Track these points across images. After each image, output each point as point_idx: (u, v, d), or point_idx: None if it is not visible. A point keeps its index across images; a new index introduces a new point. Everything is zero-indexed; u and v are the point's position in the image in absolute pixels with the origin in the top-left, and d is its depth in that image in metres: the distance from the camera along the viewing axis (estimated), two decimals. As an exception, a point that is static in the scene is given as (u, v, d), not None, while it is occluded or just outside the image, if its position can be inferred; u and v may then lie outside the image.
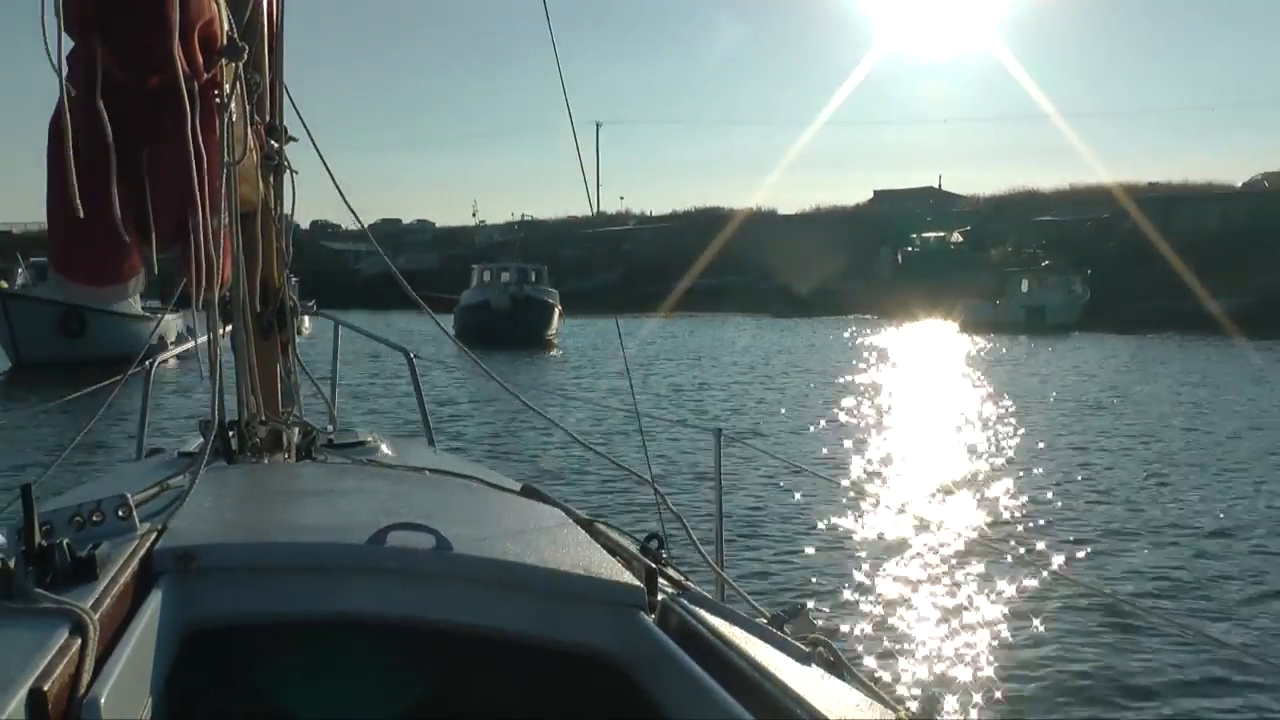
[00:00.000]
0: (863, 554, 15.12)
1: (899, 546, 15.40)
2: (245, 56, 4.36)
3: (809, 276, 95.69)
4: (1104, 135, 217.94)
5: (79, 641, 2.62)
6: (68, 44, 3.52)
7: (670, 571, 4.16)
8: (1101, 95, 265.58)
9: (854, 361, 50.58)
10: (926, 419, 30.30)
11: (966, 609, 12.72)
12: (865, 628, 12.08)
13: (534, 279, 67.77)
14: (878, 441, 25.99)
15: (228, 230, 4.77)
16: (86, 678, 2.60)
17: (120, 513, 3.48)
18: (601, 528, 4.53)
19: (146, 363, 8.21)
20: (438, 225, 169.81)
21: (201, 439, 5.18)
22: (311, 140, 6.42)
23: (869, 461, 23.46)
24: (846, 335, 69.40)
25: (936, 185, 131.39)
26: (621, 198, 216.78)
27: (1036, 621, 12.16)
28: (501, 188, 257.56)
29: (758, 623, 3.84)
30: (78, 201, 3.22)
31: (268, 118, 5.83)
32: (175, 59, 3.72)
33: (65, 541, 3.04)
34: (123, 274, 4.00)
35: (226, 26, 4.18)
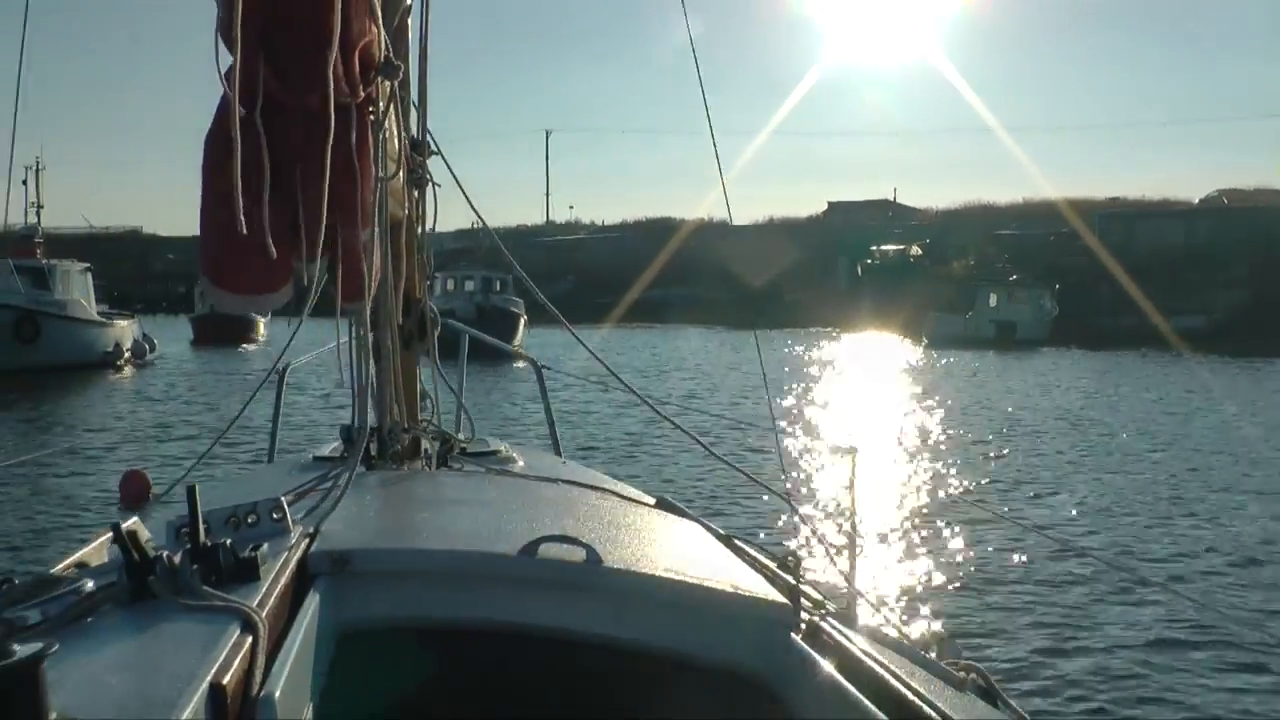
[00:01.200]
0: (995, 576, 14.80)
1: (1033, 570, 15.03)
2: (400, 75, 4.46)
3: (764, 288, 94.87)
4: (1054, 150, 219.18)
5: (250, 639, 2.67)
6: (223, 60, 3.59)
7: (809, 590, 4.10)
8: (1051, 110, 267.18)
9: (823, 376, 49.95)
10: (968, 440, 29.34)
11: (1105, 637, 12.23)
12: (1011, 656, 11.51)
13: (499, 288, 66.80)
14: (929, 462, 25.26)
15: (371, 244, 4.67)
16: (259, 675, 2.65)
17: (275, 515, 3.58)
18: (739, 543, 4.61)
19: (280, 367, 8.28)
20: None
21: (342, 444, 5.72)
22: (441, 155, 6.46)
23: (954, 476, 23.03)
24: (809, 348, 68.49)
25: (892, 198, 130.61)
26: (571, 207, 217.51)
27: (1195, 653, 11.71)
28: (448, 195, 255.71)
29: (905, 645, 3.88)
30: (241, 217, 3.31)
31: (413, 133, 5.88)
32: (338, 78, 3.84)
33: (228, 541, 3.10)
34: (274, 284, 4.10)
35: (384, 46, 4.28)
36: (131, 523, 3.22)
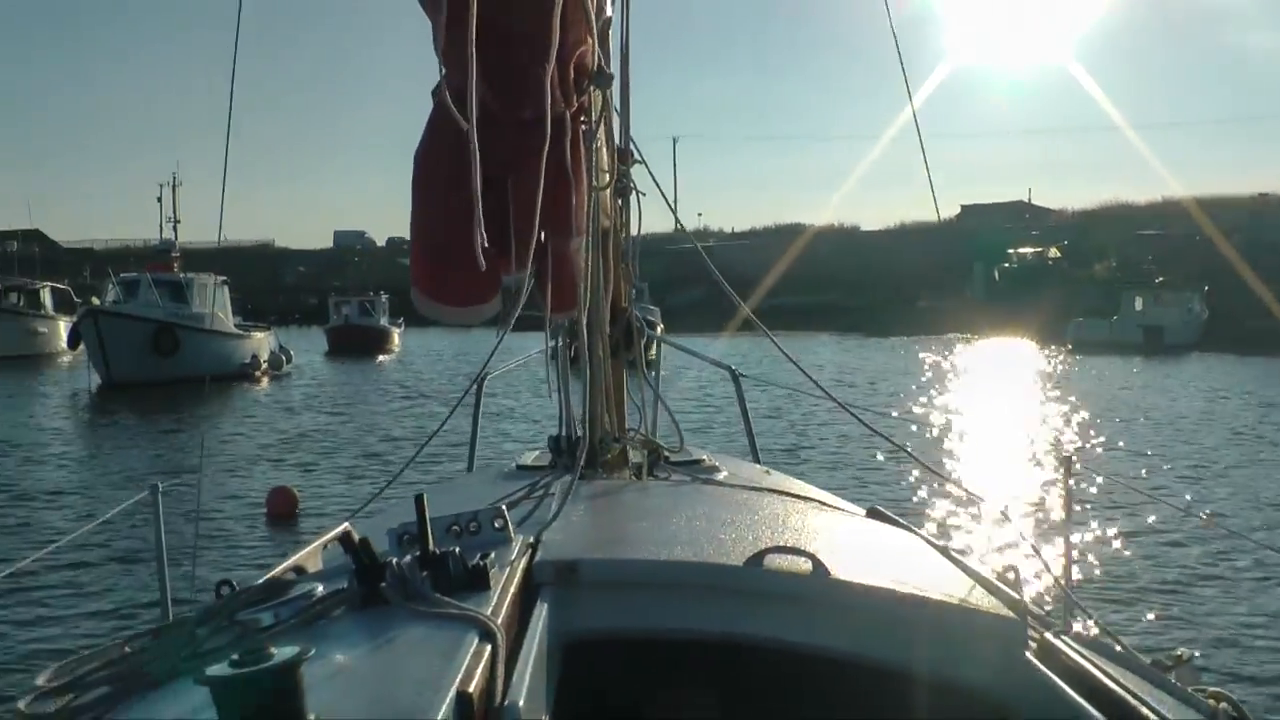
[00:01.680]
0: (1223, 594, 14.03)
1: (1263, 589, 14.22)
2: (613, 84, 4.67)
3: (896, 294, 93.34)
4: (1190, 146, 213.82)
5: (489, 648, 2.69)
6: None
7: (1032, 606, 3.93)
8: (1185, 105, 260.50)
9: (973, 384, 48.28)
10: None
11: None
12: (1254, 686, 10.64)
13: (634, 296, 65.51)
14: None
15: (581, 253, 4.64)
16: (499, 683, 2.68)
17: (496, 524, 3.65)
18: (956, 555, 4.46)
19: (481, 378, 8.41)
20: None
21: (550, 453, 5.78)
22: (644, 163, 6.49)
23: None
24: (948, 356, 66.83)
25: (1026, 199, 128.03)
26: (700, 214, 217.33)
27: None
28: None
29: (1141, 665, 3.73)
30: (480, 233, 3.36)
31: (618, 142, 5.86)
32: (553, 88, 3.83)
33: (457, 550, 3.14)
34: (485, 296, 4.09)
35: (597, 55, 4.26)
36: (342, 528, 3.66)
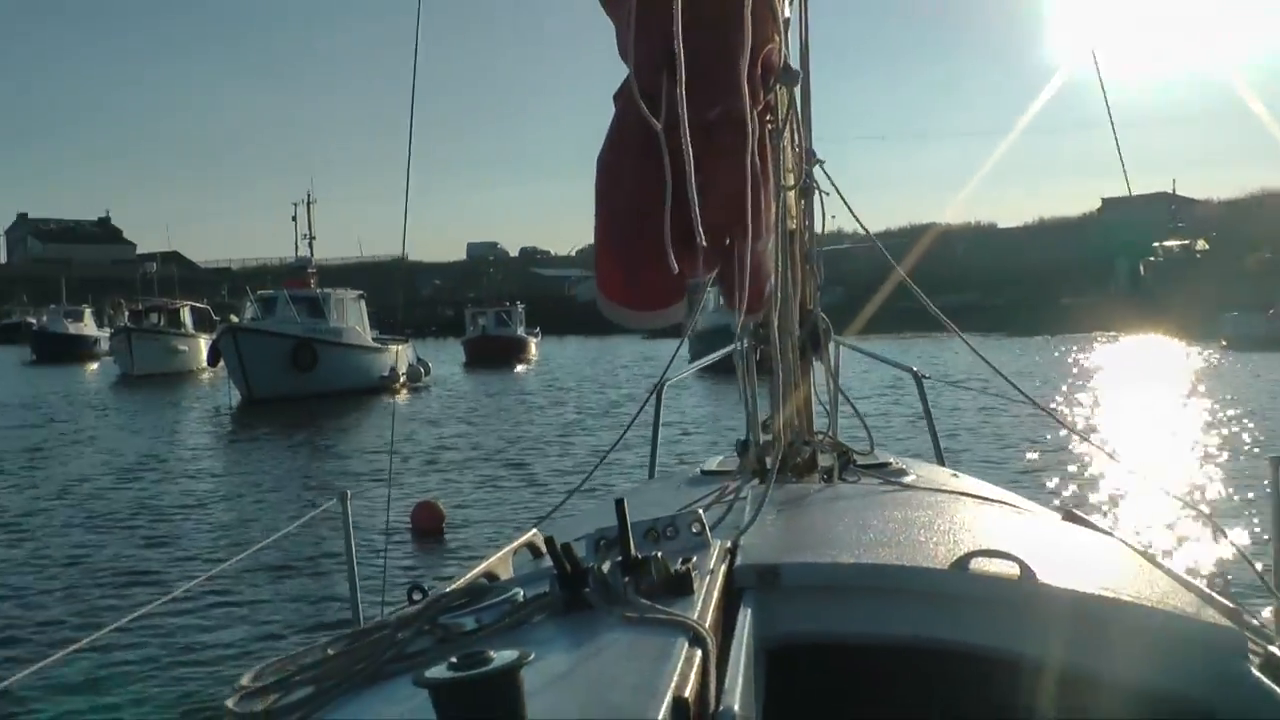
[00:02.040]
0: None
1: None
2: (799, 80, 4.87)
3: (1037, 292, 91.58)
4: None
5: (699, 653, 2.63)
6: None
7: (1244, 615, 3.84)
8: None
9: (1128, 383, 46.42)
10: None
11: None
12: None
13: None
14: None
15: (769, 254, 4.56)
16: (711, 690, 2.67)
17: (694, 528, 3.57)
18: (1160, 560, 4.37)
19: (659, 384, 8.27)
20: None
21: (738, 457, 5.73)
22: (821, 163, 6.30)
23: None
24: (1096, 354, 65.09)
25: (1170, 190, 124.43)
26: (833, 216, 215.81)
27: None
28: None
29: None
30: (672, 235, 3.52)
31: (802, 141, 5.77)
32: (743, 88, 3.81)
33: (659, 554, 3.08)
34: (669, 299, 4.07)
35: (785, 51, 4.31)
36: (530, 534, 4.05)
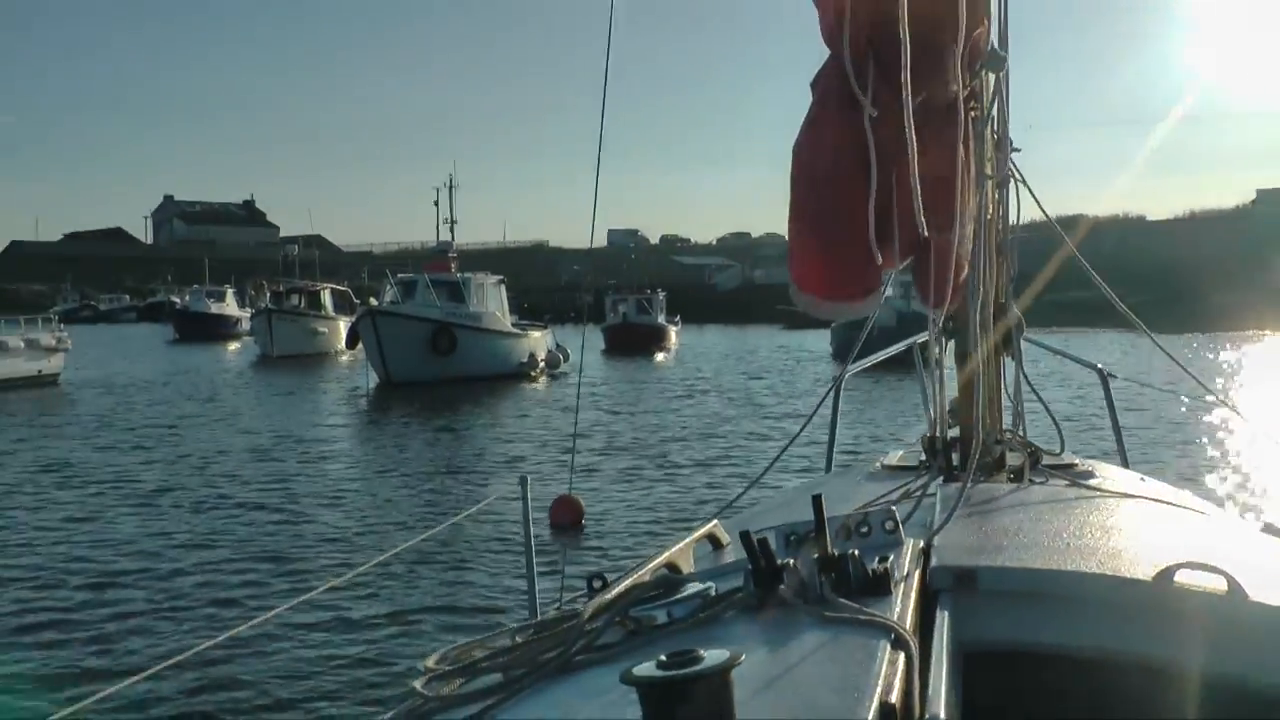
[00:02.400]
0: None
1: None
2: (1006, 65, 4.61)
3: (1189, 287, 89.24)
4: None
5: (902, 656, 2.57)
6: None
7: None
8: None
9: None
10: None
11: None
12: None
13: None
14: None
15: (966, 246, 4.51)
16: (915, 695, 2.60)
17: (887, 526, 3.48)
18: None
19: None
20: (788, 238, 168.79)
21: (924, 453, 5.45)
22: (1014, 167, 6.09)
23: None
24: (1255, 353, 62.87)
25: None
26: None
27: None
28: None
29: None
30: (875, 229, 3.69)
31: (1002, 128, 5.56)
32: (951, 74, 3.85)
33: (855, 552, 3.01)
34: (864, 290, 4.07)
35: (994, 35, 4.40)
36: (711, 526, 4.11)
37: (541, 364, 51.44)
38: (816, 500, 3.13)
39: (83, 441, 29.18)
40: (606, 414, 35.66)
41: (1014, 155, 5.98)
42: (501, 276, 55.05)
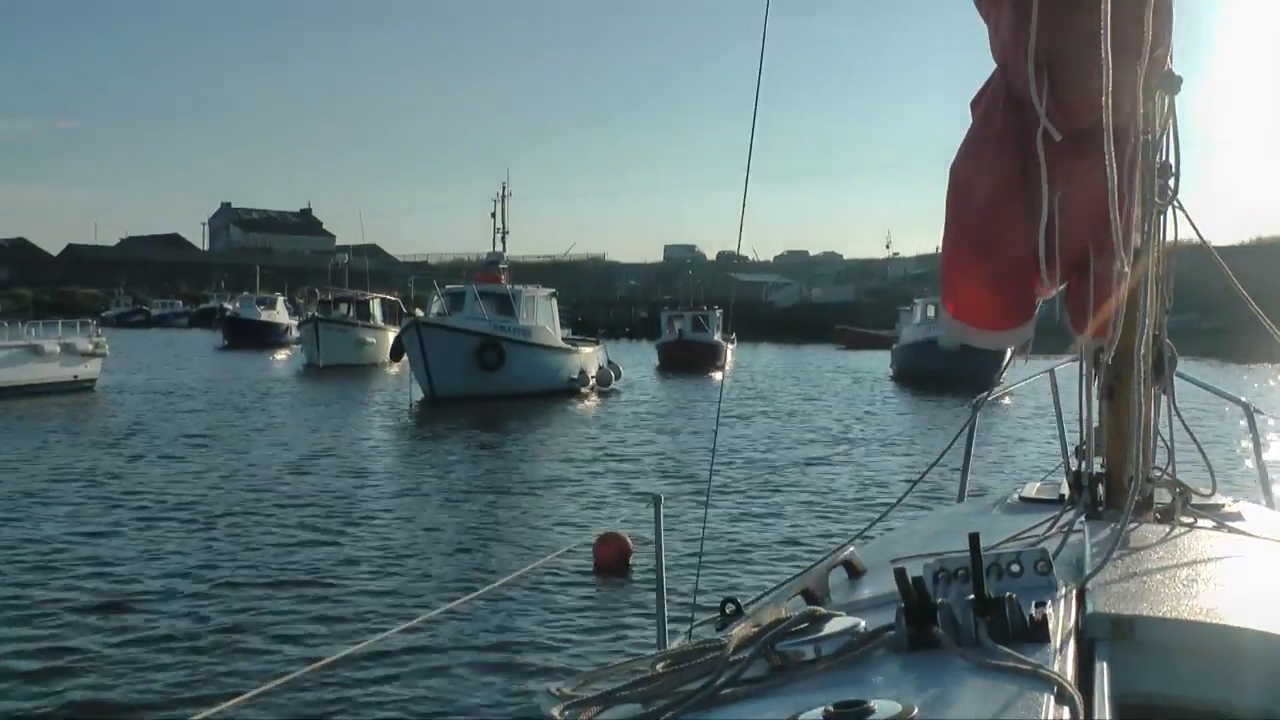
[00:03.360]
0: None
1: None
2: (1180, 87, 4.36)
3: (1265, 312, 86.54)
4: None
5: (1067, 711, 2.50)
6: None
7: None
8: None
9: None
10: None
11: None
12: None
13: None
14: None
15: (1126, 275, 4.26)
16: None
17: (1039, 567, 3.37)
18: None
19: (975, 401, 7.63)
20: (845, 257, 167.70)
21: (1070, 487, 5.22)
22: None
23: None
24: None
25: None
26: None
27: None
28: (913, 220, 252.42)
29: None
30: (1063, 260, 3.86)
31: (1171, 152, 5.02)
32: (1128, 96, 3.77)
33: (1012, 595, 2.96)
34: (1017, 320, 4.13)
35: (1169, 57, 4.17)
36: (848, 553, 4.23)
37: (593, 380, 49.64)
38: (974, 539, 3.04)
39: (108, 450, 28.30)
40: (659, 434, 34.26)
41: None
42: (553, 290, 53.17)
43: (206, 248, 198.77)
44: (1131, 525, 4.74)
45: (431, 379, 43.18)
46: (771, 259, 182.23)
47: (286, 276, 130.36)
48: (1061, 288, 4.31)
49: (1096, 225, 3.82)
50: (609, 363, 52.36)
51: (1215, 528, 5.02)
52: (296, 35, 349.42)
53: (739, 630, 2.99)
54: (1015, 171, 3.76)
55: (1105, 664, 3.01)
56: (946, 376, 49.77)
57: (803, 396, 49.57)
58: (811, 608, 3.13)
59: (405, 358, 45.01)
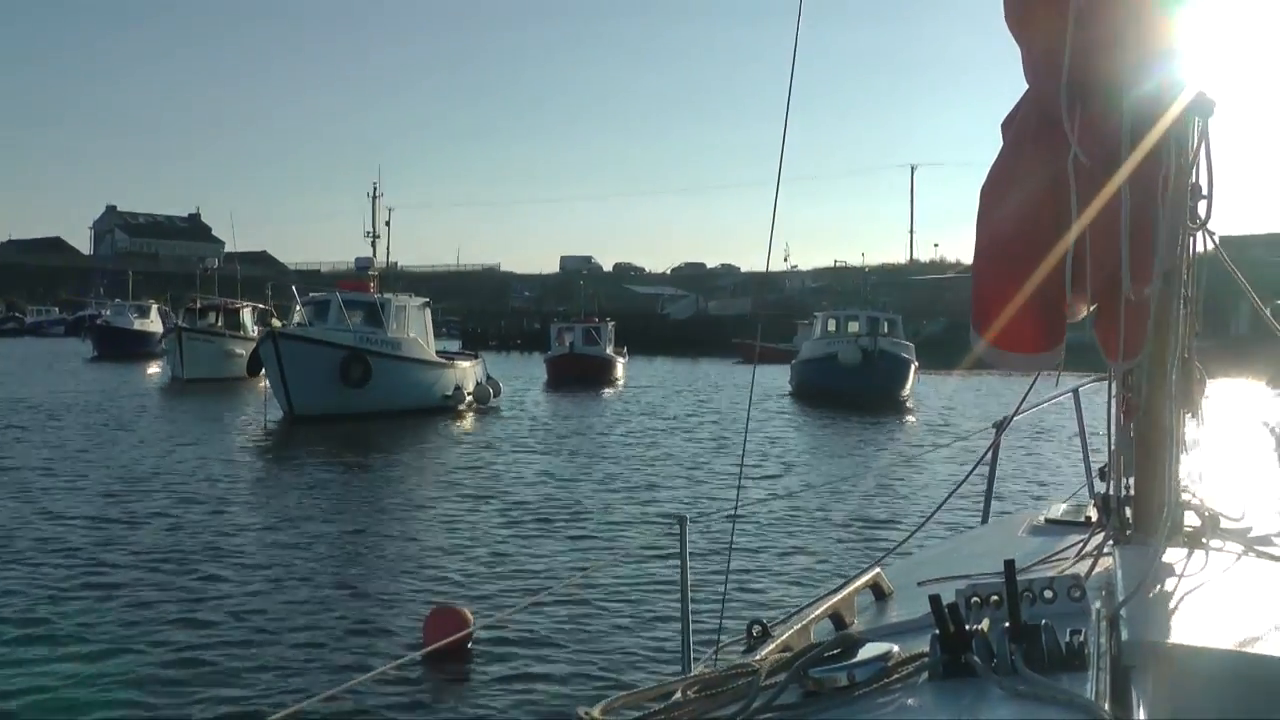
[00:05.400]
0: None
1: None
2: (1213, 111, 4.32)
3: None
4: None
5: None
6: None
7: None
8: None
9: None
10: None
11: None
12: None
13: (886, 329, 59.17)
14: None
15: (1155, 298, 4.38)
16: None
17: (1073, 593, 3.43)
18: None
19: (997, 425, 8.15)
20: (743, 269, 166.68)
21: (1097, 510, 5.26)
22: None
23: None
24: None
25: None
26: (936, 244, 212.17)
27: None
28: (810, 233, 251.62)
29: None
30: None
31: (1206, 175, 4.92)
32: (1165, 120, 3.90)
33: (1048, 622, 2.98)
34: (1048, 342, 4.23)
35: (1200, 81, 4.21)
36: (874, 574, 4.39)
37: (469, 397, 46.30)
38: (1009, 566, 3.06)
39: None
40: (542, 456, 31.75)
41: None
42: (427, 299, 49.46)
43: (90, 253, 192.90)
44: (1168, 550, 4.69)
45: (290, 396, 39.59)
46: (669, 271, 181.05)
47: (171, 284, 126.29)
48: (1093, 309, 4.36)
49: (1131, 247, 3.91)
50: (488, 378, 48.87)
51: (1245, 552, 4.79)
52: (190, 37, 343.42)
53: (769, 654, 3.15)
54: (1047, 194, 3.87)
55: (1141, 691, 3.01)
56: (846, 393, 47.43)
57: (696, 415, 46.82)
58: (844, 633, 3.39)
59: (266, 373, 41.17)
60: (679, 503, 23.38)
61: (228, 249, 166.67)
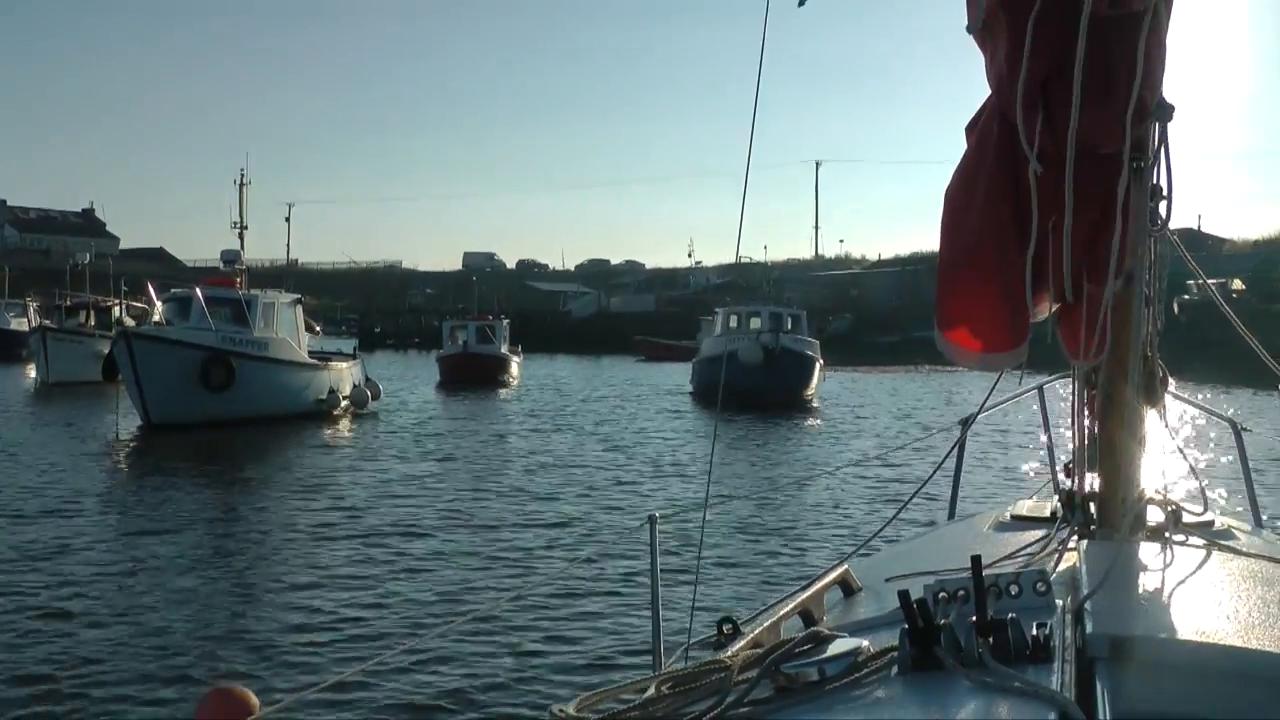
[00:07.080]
0: None
1: None
2: (1172, 115, 4.43)
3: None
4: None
5: None
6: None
7: None
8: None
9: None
10: None
11: None
12: None
13: (790, 326, 57.22)
14: None
15: (1118, 297, 4.46)
16: None
17: (1039, 587, 3.50)
18: None
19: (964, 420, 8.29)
20: (648, 266, 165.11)
21: (1060, 506, 5.36)
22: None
23: None
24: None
25: (1196, 227, 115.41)
26: (841, 240, 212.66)
27: None
28: (712, 229, 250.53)
29: None
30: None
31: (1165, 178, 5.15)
32: (1119, 125, 3.92)
33: (1013, 616, 3.03)
34: (1012, 342, 4.23)
35: (1161, 86, 4.23)
36: (841, 570, 4.41)
37: (346, 401, 43.67)
38: (976, 561, 3.11)
39: None
40: (427, 464, 29.84)
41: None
42: (298, 295, 46.41)
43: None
44: (1125, 544, 4.72)
45: (146, 402, 36.60)
46: (573, 268, 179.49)
47: (61, 281, 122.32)
48: (1055, 308, 4.41)
49: (1092, 251, 4.00)
50: (367, 380, 46.51)
51: (1206, 545, 4.89)
52: (89, 27, 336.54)
53: (741, 651, 3.21)
54: (1009, 196, 3.87)
55: (1106, 683, 3.07)
56: (750, 393, 45.51)
57: (597, 421, 44.57)
58: (814, 629, 3.29)
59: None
60: (565, 511, 22.13)
61: (125, 245, 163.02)
